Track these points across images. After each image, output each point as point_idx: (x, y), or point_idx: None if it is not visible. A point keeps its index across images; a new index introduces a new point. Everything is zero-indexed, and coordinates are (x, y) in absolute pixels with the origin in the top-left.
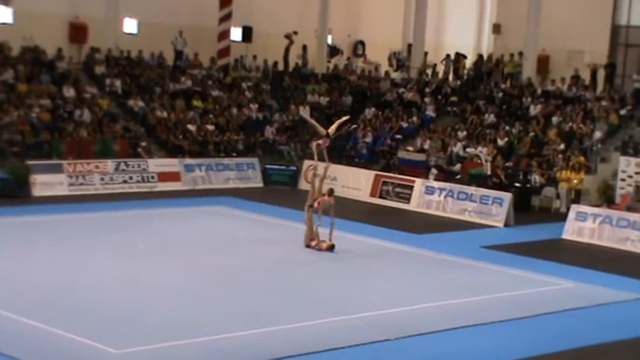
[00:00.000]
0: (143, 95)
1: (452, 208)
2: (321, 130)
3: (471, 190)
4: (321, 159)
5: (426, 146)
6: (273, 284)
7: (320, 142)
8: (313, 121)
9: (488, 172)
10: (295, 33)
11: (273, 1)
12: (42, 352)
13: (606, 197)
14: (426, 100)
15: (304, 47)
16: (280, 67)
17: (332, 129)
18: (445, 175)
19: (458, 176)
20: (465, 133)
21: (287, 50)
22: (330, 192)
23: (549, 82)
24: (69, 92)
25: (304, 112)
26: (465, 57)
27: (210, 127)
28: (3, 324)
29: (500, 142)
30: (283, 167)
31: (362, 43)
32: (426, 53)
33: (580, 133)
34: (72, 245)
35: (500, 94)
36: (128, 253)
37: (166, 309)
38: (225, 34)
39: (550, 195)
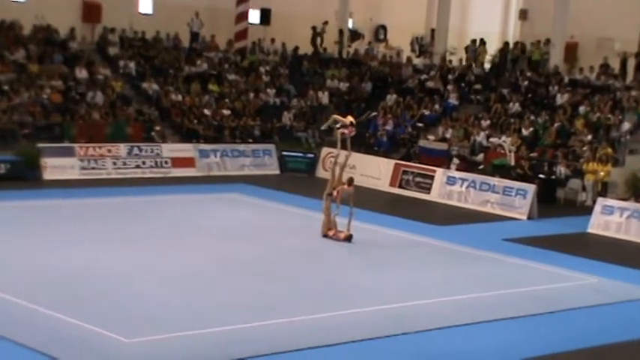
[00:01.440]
0: (157, 78)
1: (474, 200)
2: (344, 120)
3: (494, 181)
4: (343, 147)
5: (448, 135)
6: (289, 275)
7: (345, 131)
8: (334, 119)
9: (512, 163)
10: (325, 23)
11: None
12: (51, 340)
13: (634, 190)
14: (449, 87)
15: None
16: (303, 50)
17: (348, 119)
18: (467, 165)
19: (480, 166)
20: (488, 122)
21: (316, 36)
22: (350, 181)
23: (577, 70)
24: (81, 73)
25: (325, 125)
26: (483, 43)
27: (226, 112)
28: (13, 310)
29: (524, 132)
30: (301, 154)
31: (384, 27)
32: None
33: (608, 123)
34: (82, 231)
35: (526, 83)
36: (140, 241)
37: (179, 298)
38: (242, 16)
39: (576, 187)
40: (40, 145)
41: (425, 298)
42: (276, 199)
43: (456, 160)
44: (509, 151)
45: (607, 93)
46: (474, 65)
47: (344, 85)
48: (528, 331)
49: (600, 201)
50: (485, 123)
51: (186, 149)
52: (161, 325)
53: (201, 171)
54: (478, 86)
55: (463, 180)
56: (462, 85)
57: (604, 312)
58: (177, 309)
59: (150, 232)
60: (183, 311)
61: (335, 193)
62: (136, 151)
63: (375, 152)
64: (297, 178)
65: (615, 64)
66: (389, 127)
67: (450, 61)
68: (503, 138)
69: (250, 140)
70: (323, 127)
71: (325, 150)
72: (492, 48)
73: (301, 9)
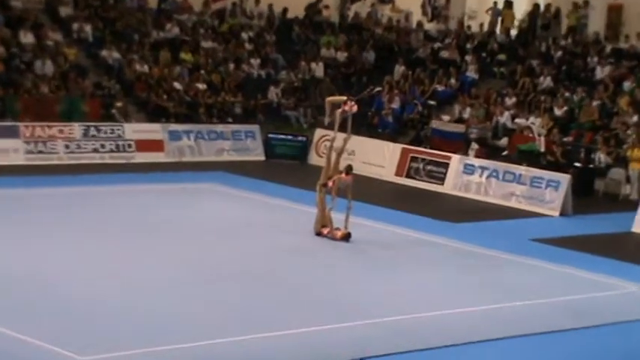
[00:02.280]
0: (119, 45)
1: (496, 192)
2: (339, 98)
3: (520, 170)
4: (342, 129)
5: (466, 115)
6: (276, 280)
7: (346, 107)
8: (331, 103)
9: (542, 149)
10: None
11: None
12: None
13: None
14: (467, 58)
15: None
16: (293, 13)
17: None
18: (488, 151)
19: (504, 153)
20: (514, 99)
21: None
22: (348, 169)
23: (621, 38)
24: (27, 38)
25: (327, 119)
26: (509, 5)
27: (201, 86)
28: None
29: (557, 112)
30: (290, 137)
31: None
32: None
33: None
34: (27, 228)
35: (559, 53)
36: (98, 240)
37: (143, 308)
38: None
39: (618, 178)
40: None
41: (438, 309)
42: (261, 191)
43: (474, 145)
44: (539, 135)
45: None
46: (497, 32)
47: (342, 55)
48: (561, 349)
49: None
50: (510, 101)
51: (153, 130)
52: (122, 340)
53: (172, 156)
54: (502, 57)
55: (483, 169)
56: (483, 55)
57: None
58: (140, 320)
59: (110, 230)
60: (148, 323)
61: (330, 183)
62: (92, 131)
63: (378, 135)
64: (286, 166)
65: None
66: (395, 105)
67: (469, 27)
68: (532, 119)
69: (230, 120)
70: (327, 122)
71: (319, 132)
72: (519, 11)
73: None
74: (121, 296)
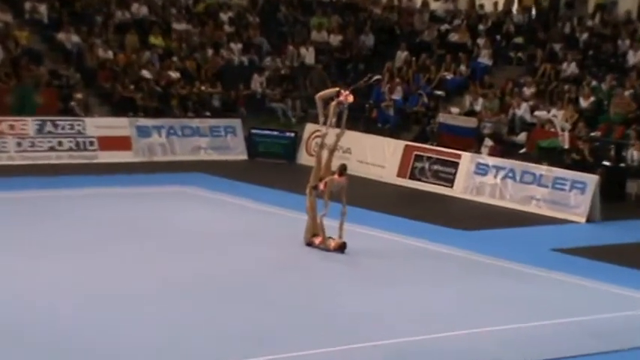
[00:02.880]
0: (79, 27)
1: (513, 195)
2: (330, 92)
3: (541, 170)
4: (337, 124)
5: (478, 107)
6: (261, 299)
7: (341, 98)
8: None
9: (566, 145)
10: None
11: None
12: None
13: None
14: (479, 41)
15: None
16: None
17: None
18: (504, 149)
19: (522, 150)
20: (533, 89)
21: None
22: (342, 169)
23: None
24: None
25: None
26: None
27: (174, 75)
28: None
29: (583, 103)
30: (276, 133)
31: None
32: None
33: None
34: None
35: (586, 35)
36: (53, 251)
37: (103, 329)
38: None
39: None
40: None
41: (447, 330)
42: (243, 194)
43: (488, 142)
44: (562, 130)
45: None
46: (513, 11)
47: (336, 39)
48: None
49: None
50: (528, 91)
51: (119, 125)
52: None
53: (140, 155)
54: (519, 40)
55: (498, 168)
56: (498, 38)
57: None
58: (100, 344)
59: (67, 240)
60: (108, 348)
61: (322, 186)
62: (49, 127)
63: (378, 130)
64: (272, 166)
65: None
66: (397, 96)
67: (481, 6)
68: (554, 111)
69: (208, 114)
70: (323, 121)
71: (310, 127)
72: None
73: None
74: (77, 316)
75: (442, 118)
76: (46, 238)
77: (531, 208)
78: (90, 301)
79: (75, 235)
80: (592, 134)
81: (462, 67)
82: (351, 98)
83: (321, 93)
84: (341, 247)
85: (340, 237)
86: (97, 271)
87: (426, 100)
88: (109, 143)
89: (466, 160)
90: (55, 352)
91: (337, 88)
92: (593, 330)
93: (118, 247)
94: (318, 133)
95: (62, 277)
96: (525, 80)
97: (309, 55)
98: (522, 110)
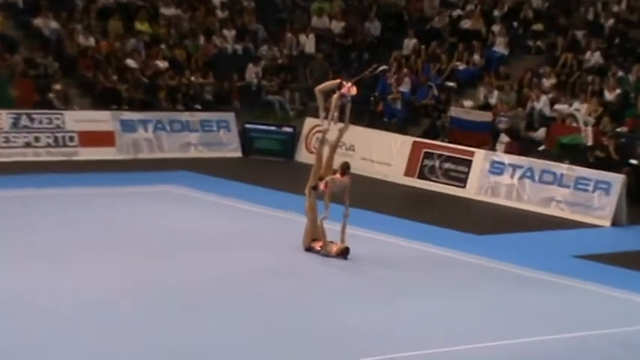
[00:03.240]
0: (58, 12)
1: (531, 197)
2: (331, 83)
3: (562, 168)
4: (339, 118)
5: (493, 100)
6: (258, 308)
7: (344, 91)
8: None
9: (589, 142)
10: None
11: None
12: None
13: None
14: (494, 28)
15: None
16: None
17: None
18: (521, 145)
19: (541, 147)
20: (553, 80)
21: None
22: (345, 168)
23: None
24: None
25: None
26: None
27: (162, 64)
28: None
29: (608, 96)
30: (273, 128)
31: None
32: None
33: None
34: None
35: (611, 21)
36: (27, 255)
37: (79, 341)
38: None
39: None
40: None
41: (460, 344)
42: (237, 195)
43: (504, 138)
44: (585, 125)
45: None
46: None
47: (338, 26)
48: None
49: None
50: (548, 82)
51: (101, 119)
52: None
53: (125, 152)
54: (538, 27)
55: (515, 167)
56: (515, 25)
57: None
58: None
59: (43, 243)
60: None
61: (322, 186)
62: (24, 121)
63: (384, 125)
64: (268, 164)
65: None
66: (405, 87)
67: None
68: (576, 105)
69: (198, 107)
70: (324, 115)
71: (310, 122)
72: None
73: None
74: (49, 327)
75: (454, 112)
76: (14, 242)
77: (551, 210)
78: (62, 313)
79: (47, 240)
80: (618, 130)
81: (476, 57)
82: (354, 90)
83: (322, 85)
84: (343, 253)
85: (342, 241)
86: (72, 277)
87: (436, 92)
88: (90, 139)
89: (480, 157)
90: None
91: (339, 80)
92: (620, 343)
93: (97, 253)
94: (318, 129)
95: (34, 282)
96: (545, 71)
97: (309, 43)
98: (541, 104)
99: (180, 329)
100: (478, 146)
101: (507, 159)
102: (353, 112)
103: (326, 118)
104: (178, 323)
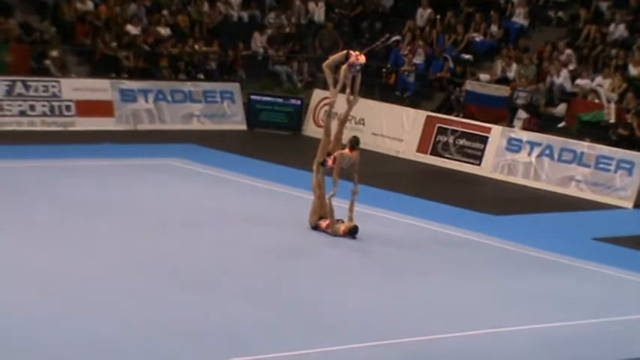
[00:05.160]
0: None
1: (550, 176)
2: (339, 55)
3: (583, 146)
4: (351, 90)
5: (511, 74)
6: (262, 288)
7: (351, 59)
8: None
9: (612, 119)
10: None
11: None
12: None
13: None
14: None
15: None
16: None
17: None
18: (540, 122)
19: (561, 124)
20: (574, 54)
21: None
22: (354, 143)
23: None
24: None
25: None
26: None
27: (164, 31)
28: None
29: (633, 71)
30: (280, 100)
31: None
32: None
33: None
34: None
35: None
36: (23, 231)
37: (88, 321)
38: None
39: None
40: None
41: (473, 329)
42: (241, 170)
43: (522, 114)
44: (608, 101)
45: None
46: None
47: None
48: None
49: None
50: (569, 55)
51: (99, 88)
52: None
53: (124, 123)
54: None
55: (533, 144)
56: None
57: None
58: (85, 337)
59: (37, 218)
60: (95, 341)
61: (331, 161)
62: (19, 88)
63: (396, 99)
64: (274, 137)
65: None
66: (418, 59)
67: None
68: (599, 80)
69: (202, 76)
70: (332, 96)
71: (318, 94)
72: None
73: None
74: (60, 313)
75: (469, 85)
76: (13, 216)
77: (571, 190)
78: (56, 291)
79: (46, 213)
80: None
81: (494, 28)
82: (363, 58)
83: (328, 60)
84: (351, 232)
85: (351, 220)
86: (68, 254)
87: (451, 65)
88: (88, 108)
89: (496, 134)
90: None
91: (345, 51)
92: None
93: (97, 229)
94: (327, 101)
95: (28, 261)
96: (566, 43)
97: (318, 12)
98: (562, 78)
99: (181, 306)
100: (495, 122)
101: (525, 136)
102: (363, 84)
103: (341, 91)
104: (179, 301)
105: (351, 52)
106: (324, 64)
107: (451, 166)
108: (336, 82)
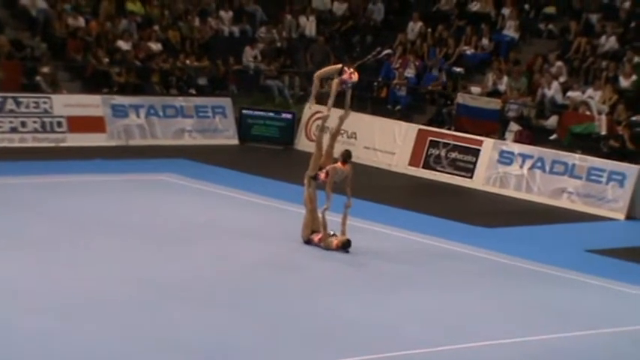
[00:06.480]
0: None
1: (542, 188)
2: (333, 68)
3: (574, 158)
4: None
5: (502, 86)
6: (255, 302)
7: (344, 77)
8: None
9: (603, 131)
10: None
11: None
12: None
13: None
14: (504, 11)
15: None
16: None
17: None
18: (532, 134)
19: (553, 136)
20: (565, 66)
21: None
22: (346, 157)
23: None
24: None
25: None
26: None
27: (155, 47)
28: None
29: (623, 83)
30: (271, 114)
31: None
32: None
33: None
34: None
35: (627, 4)
36: (13, 248)
37: (82, 337)
38: None
39: None
40: None
41: (468, 341)
42: (233, 184)
43: (513, 126)
44: (599, 113)
45: None
46: None
47: (340, 7)
48: None
49: None
50: (559, 67)
51: (91, 104)
52: None
53: (116, 139)
54: (550, 10)
55: (525, 157)
56: (526, 7)
57: None
58: (64, 357)
59: (30, 235)
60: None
61: (323, 175)
62: (10, 105)
63: (387, 112)
64: (266, 152)
65: None
66: (410, 73)
67: None
68: (590, 92)
69: (193, 91)
70: (310, 104)
71: (311, 107)
72: None
73: None
74: (35, 324)
75: (461, 98)
76: (4, 234)
77: (562, 202)
78: (50, 308)
79: (37, 230)
80: (633, 118)
81: (485, 41)
82: (356, 77)
83: (322, 71)
84: (344, 245)
85: (343, 233)
86: (59, 272)
87: (443, 78)
88: (79, 124)
89: (488, 147)
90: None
91: (341, 65)
92: (634, 341)
93: (87, 245)
94: (319, 115)
95: (19, 279)
96: (556, 56)
97: (309, 26)
98: (553, 90)
99: (175, 322)
100: (486, 135)
101: (517, 148)
102: (355, 98)
103: (322, 104)
104: (173, 316)
105: (346, 68)
106: (316, 75)
107: (443, 179)
108: (319, 95)
